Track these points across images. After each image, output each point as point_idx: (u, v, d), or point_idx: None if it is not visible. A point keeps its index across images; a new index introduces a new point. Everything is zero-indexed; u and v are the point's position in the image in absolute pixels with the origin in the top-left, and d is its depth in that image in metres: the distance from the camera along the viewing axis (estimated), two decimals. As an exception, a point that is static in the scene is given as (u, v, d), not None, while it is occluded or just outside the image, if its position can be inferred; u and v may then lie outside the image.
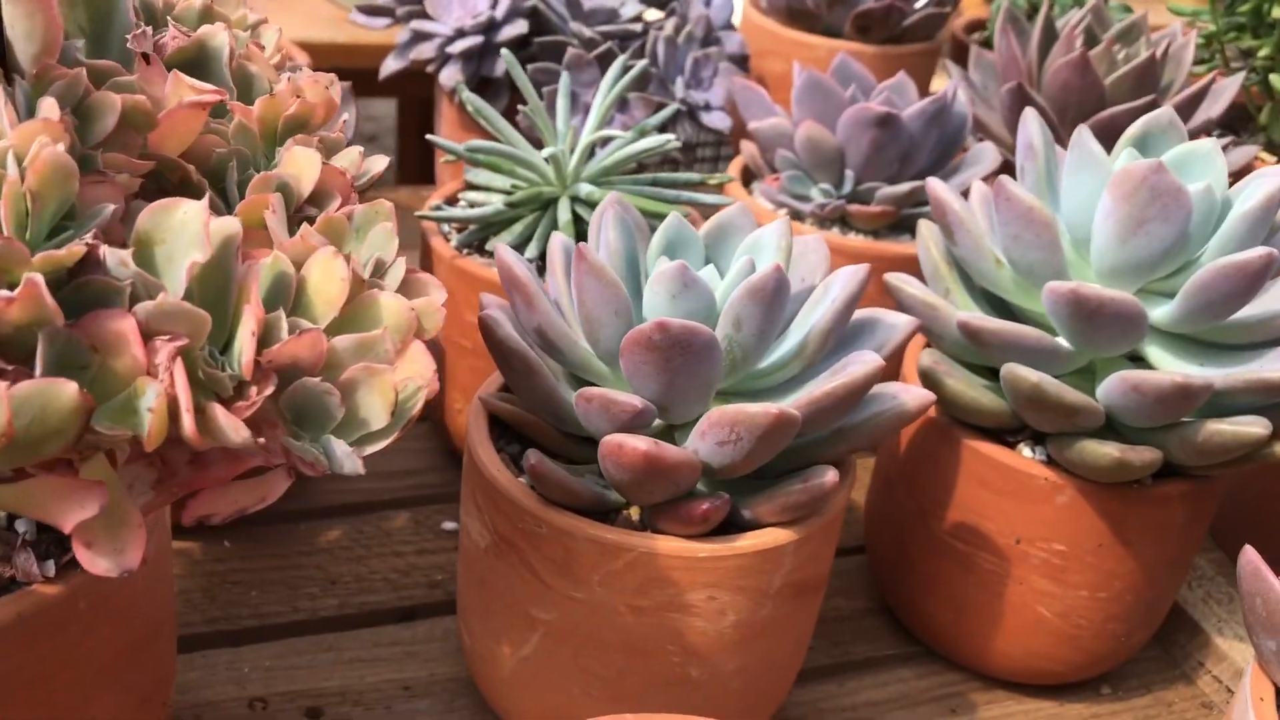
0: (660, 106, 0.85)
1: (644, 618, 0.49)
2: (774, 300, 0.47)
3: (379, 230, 0.35)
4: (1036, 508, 0.56)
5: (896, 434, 0.55)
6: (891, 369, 0.64)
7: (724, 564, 0.48)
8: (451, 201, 0.72)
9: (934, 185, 0.59)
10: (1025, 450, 0.57)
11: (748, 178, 0.82)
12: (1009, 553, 0.58)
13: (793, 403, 0.47)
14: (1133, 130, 0.59)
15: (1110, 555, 0.57)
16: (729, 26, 0.94)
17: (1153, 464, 0.53)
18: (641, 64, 0.69)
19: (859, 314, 0.55)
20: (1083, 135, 0.56)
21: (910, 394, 0.50)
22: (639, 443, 0.44)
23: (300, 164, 0.36)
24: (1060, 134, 0.79)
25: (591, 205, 0.68)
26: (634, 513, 0.50)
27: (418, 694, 0.59)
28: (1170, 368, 0.55)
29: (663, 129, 0.86)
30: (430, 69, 0.88)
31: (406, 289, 0.35)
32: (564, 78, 0.71)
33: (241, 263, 0.32)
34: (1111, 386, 0.52)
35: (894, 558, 0.64)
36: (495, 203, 0.67)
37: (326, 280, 0.32)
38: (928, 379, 0.56)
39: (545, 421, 0.51)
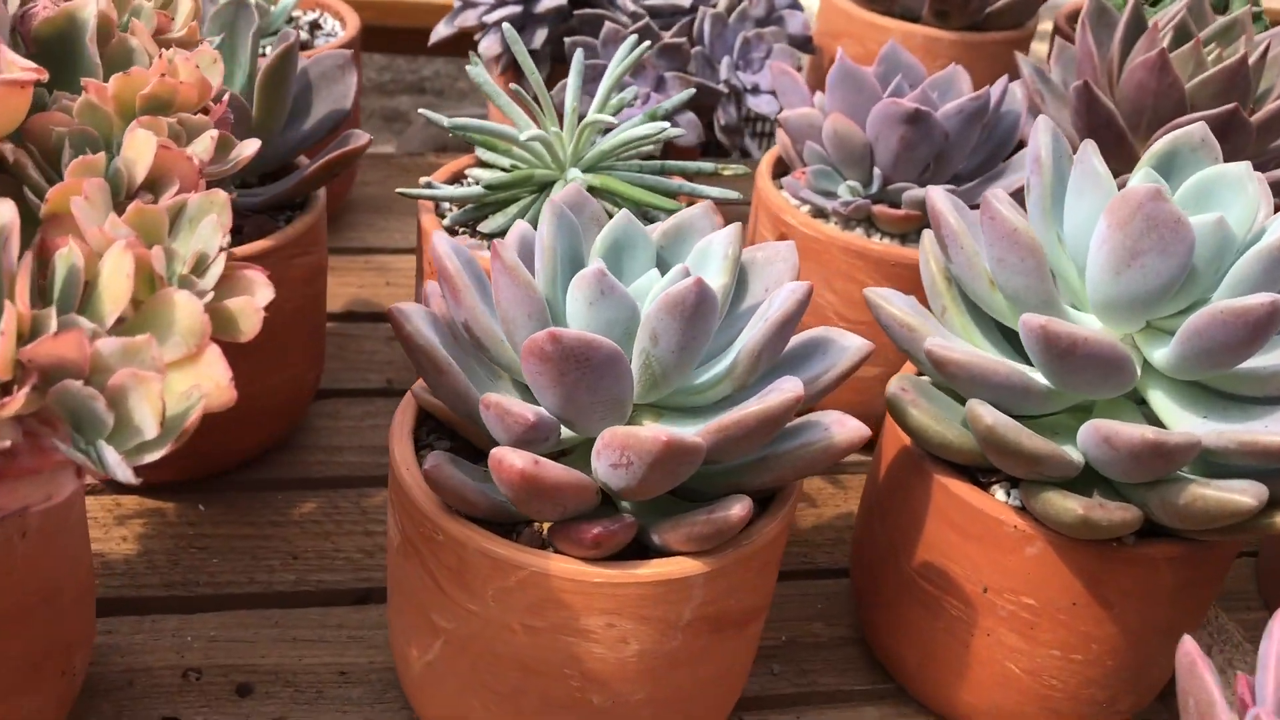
0: (698, 88, 0.81)
1: (538, 638, 0.46)
2: (694, 315, 0.43)
3: (207, 223, 0.33)
4: (1005, 557, 0.51)
5: (826, 467, 0.50)
6: (847, 395, 0.60)
7: (622, 591, 0.45)
8: (458, 178, 0.70)
9: (932, 194, 0.54)
10: (999, 493, 0.52)
11: (782, 170, 0.77)
12: (976, 601, 0.53)
13: (704, 428, 0.43)
14: (1157, 147, 0.52)
15: (1086, 616, 0.51)
16: (794, 5, 0.89)
17: (1127, 524, 0.47)
18: (643, 46, 0.66)
19: (813, 333, 0.51)
20: (1087, 150, 0.50)
21: (843, 427, 0.46)
22: (517, 459, 0.41)
23: (137, 147, 0.34)
24: (1131, 142, 0.73)
25: (591, 190, 0.65)
26: (544, 528, 0.47)
27: (353, 681, 0.58)
28: (1171, 416, 0.50)
29: (701, 111, 0.83)
30: (476, 37, 0.86)
31: (227, 287, 0.33)
32: (577, 55, 0.68)
33: (44, 253, 0.31)
34: (1086, 435, 0.47)
35: (869, 589, 0.60)
36: (488, 181, 0.64)
37: (114, 276, 0.30)
38: (893, 407, 0.52)
39: (468, 422, 0.49)
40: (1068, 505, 0.47)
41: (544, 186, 0.66)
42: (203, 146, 0.36)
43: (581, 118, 0.66)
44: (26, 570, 0.44)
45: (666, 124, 0.63)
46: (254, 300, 0.33)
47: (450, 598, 0.47)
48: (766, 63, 0.84)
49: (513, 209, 0.66)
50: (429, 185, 0.64)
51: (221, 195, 0.34)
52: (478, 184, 0.66)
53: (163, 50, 0.38)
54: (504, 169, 0.67)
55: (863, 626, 0.63)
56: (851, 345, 0.49)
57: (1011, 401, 0.49)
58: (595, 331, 0.45)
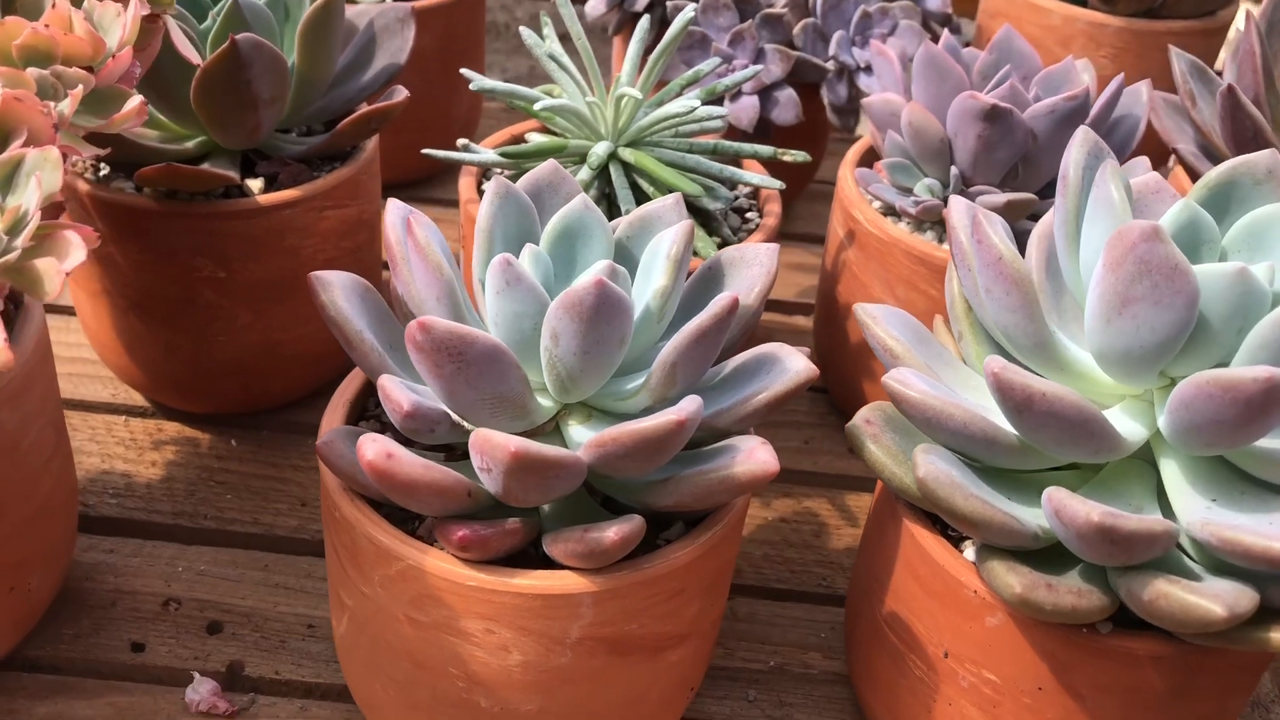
0: (800, 64, 0.76)
1: (422, 632, 0.44)
2: (594, 318, 0.40)
3: (32, 181, 0.33)
4: (966, 622, 0.46)
5: (729, 497, 0.45)
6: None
7: (498, 599, 0.42)
8: (518, 139, 0.69)
9: (952, 203, 0.48)
10: (968, 550, 0.46)
11: (872, 158, 0.71)
12: (938, 665, 0.48)
13: (586, 442, 0.40)
14: (1212, 176, 0.44)
15: (1054, 703, 0.45)
16: (940, -21, 0.82)
17: (1081, 612, 0.41)
18: (686, 18, 0.61)
19: (764, 349, 0.46)
20: (1105, 172, 0.43)
21: (750, 459, 0.42)
22: (368, 449, 0.39)
23: (-18, 97, 0.34)
24: None
25: (625, 165, 0.62)
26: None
27: (317, 636, 0.58)
28: (1176, 493, 0.42)
29: (808, 89, 0.78)
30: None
31: (44, 245, 0.33)
32: (642, 22, 0.64)
33: None
34: (1044, 503, 0.41)
35: (851, 628, 0.55)
36: (504, 150, 0.62)
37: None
38: (852, 439, 0.47)
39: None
40: (1007, 580, 0.41)
41: (584, 158, 0.63)
42: (65, 102, 0.36)
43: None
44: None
45: (697, 103, 0.59)
46: (58, 263, 0.33)
47: (349, 577, 0.46)
48: (890, 40, 0.77)
49: (581, 178, 0.63)
50: (465, 148, 0.63)
51: (54, 154, 0.34)
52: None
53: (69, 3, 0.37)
54: (557, 134, 0.65)
55: (848, 665, 0.58)
56: (793, 368, 0.44)
57: (979, 451, 0.43)
58: (501, 323, 0.43)
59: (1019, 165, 0.62)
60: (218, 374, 0.66)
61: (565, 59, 0.63)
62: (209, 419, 0.70)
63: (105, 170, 0.63)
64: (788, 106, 0.76)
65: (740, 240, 0.63)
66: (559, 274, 0.46)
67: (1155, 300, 0.39)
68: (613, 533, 0.40)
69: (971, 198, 0.63)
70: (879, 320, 0.48)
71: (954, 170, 0.63)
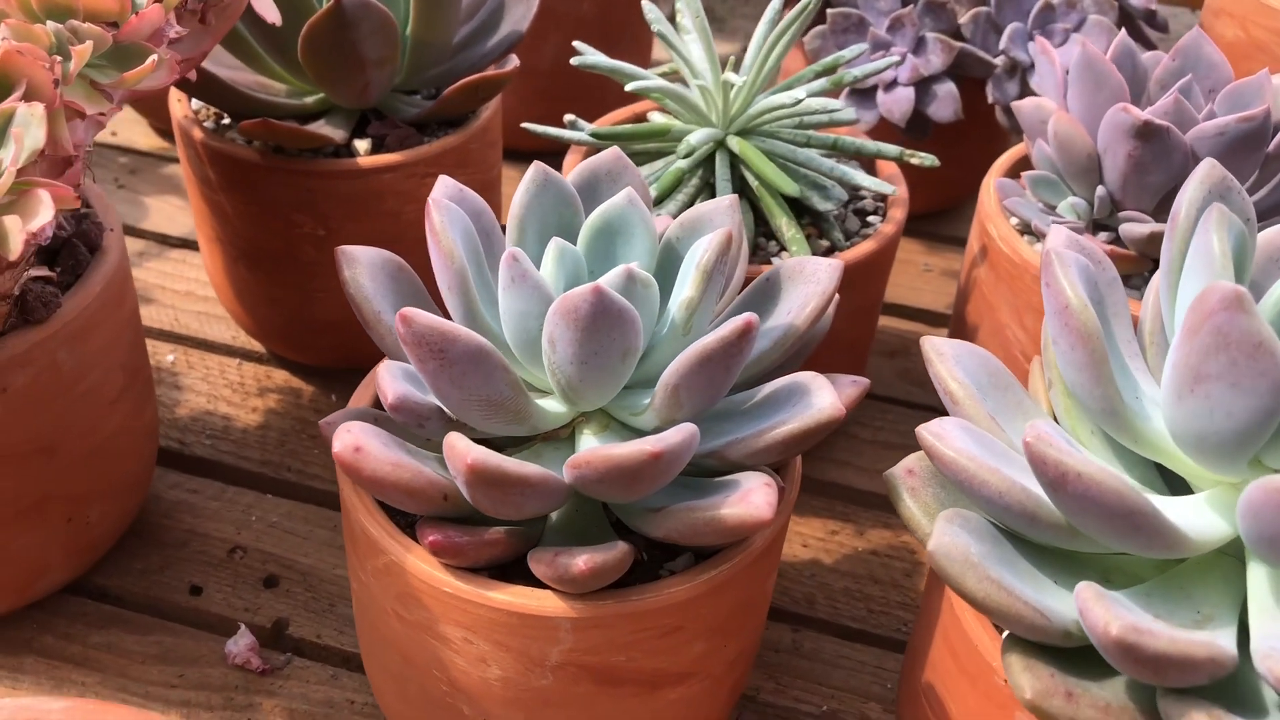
0: (962, 57, 0.69)
1: (409, 630, 0.43)
2: (591, 327, 0.37)
3: (11, 135, 0.33)
4: (995, 712, 0.40)
5: (717, 540, 0.40)
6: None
7: (474, 610, 0.40)
8: (640, 118, 0.65)
9: (1051, 233, 0.42)
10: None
11: (1023, 168, 0.64)
12: (967, 751, 0.42)
13: (571, 461, 0.37)
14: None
15: (1087, 821, 0.39)
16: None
17: (1107, 733, 0.35)
18: (776, 4, 0.56)
19: (797, 378, 0.41)
20: (1212, 217, 0.36)
21: (744, 503, 0.37)
22: (339, 439, 0.38)
23: (-17, 48, 0.34)
24: None
25: (733, 155, 0.58)
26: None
27: (366, 605, 0.58)
28: (1262, 607, 0.36)
29: (971, 85, 0.71)
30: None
31: (16, 203, 0.32)
32: (774, 2, 0.60)
33: None
34: (1076, 596, 0.35)
35: (902, 688, 0.50)
36: (593, 130, 0.58)
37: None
38: (889, 486, 0.41)
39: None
40: (1019, 680, 0.35)
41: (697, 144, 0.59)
42: (71, 60, 0.36)
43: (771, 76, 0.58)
44: (10, 425, 0.48)
45: (802, 94, 0.54)
46: (22, 222, 0.33)
47: (352, 562, 0.45)
48: (1074, 35, 0.69)
49: (658, 163, 0.60)
50: (572, 124, 0.60)
51: (39, 110, 0.33)
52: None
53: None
54: (675, 116, 0.61)
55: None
56: (817, 405, 0.39)
57: (1020, 526, 0.37)
58: (509, 321, 0.40)
59: (1172, 190, 0.54)
60: (318, 329, 0.66)
61: (682, 37, 0.59)
62: (317, 371, 0.71)
63: (226, 121, 0.64)
64: (946, 102, 0.69)
65: (851, 245, 0.58)
66: (596, 272, 0.43)
67: (1232, 380, 0.32)
68: (581, 562, 0.37)
69: (1118, 224, 0.56)
70: (945, 358, 0.42)
71: (1102, 190, 0.55)
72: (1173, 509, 0.36)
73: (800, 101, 0.54)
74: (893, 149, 0.58)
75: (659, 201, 0.56)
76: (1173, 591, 0.37)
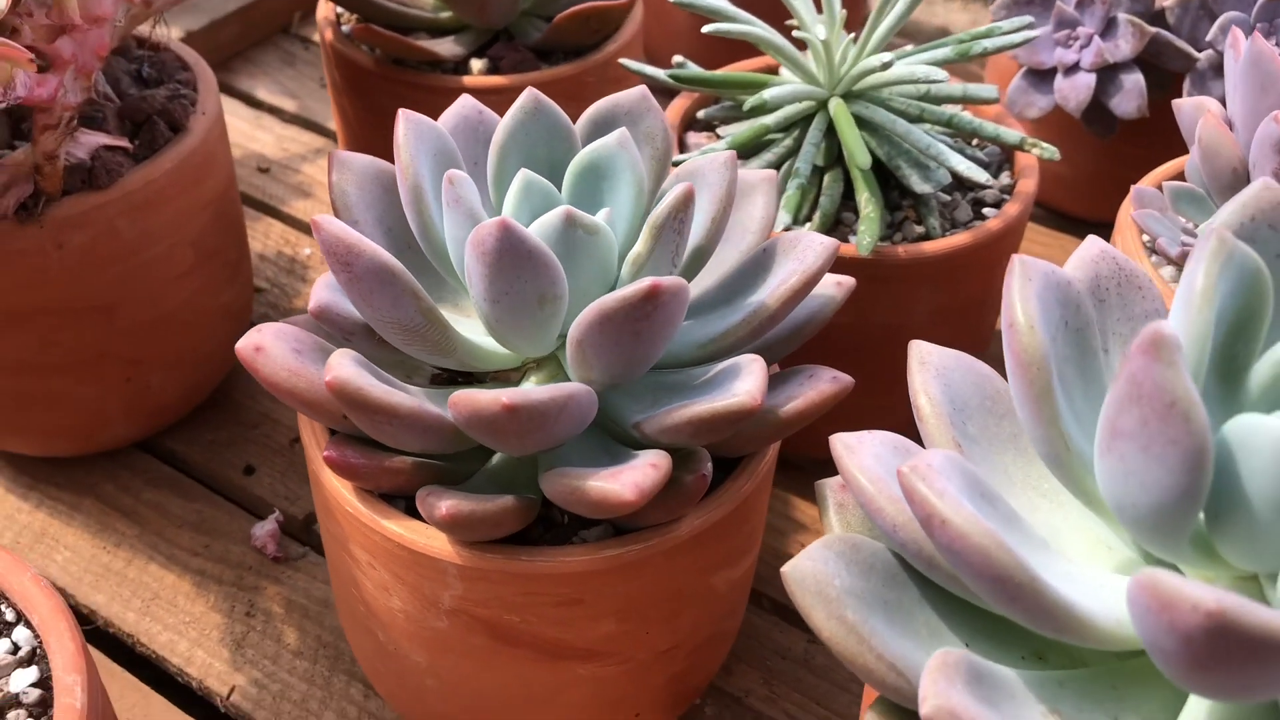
0: (1155, 45, 0.60)
1: (332, 543, 0.43)
2: (497, 263, 0.35)
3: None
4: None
5: (589, 510, 0.36)
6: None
7: (372, 535, 0.39)
8: (771, 72, 0.61)
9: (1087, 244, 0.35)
10: (922, 688, 0.35)
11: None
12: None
13: (452, 399, 0.35)
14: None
15: None
16: None
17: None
18: None
19: (738, 360, 0.37)
20: (1207, 245, 0.29)
21: (611, 481, 0.34)
22: (246, 337, 0.37)
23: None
24: None
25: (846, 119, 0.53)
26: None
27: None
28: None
29: (1166, 77, 0.62)
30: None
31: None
32: (915, -43, 0.54)
33: None
34: (943, 664, 0.29)
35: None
36: (675, 73, 0.54)
37: None
38: (818, 495, 0.36)
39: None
40: (859, 742, 0.30)
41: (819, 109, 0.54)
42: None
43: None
44: (66, 281, 0.51)
45: (889, 58, 0.48)
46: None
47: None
48: (1310, 35, 0.58)
49: (761, 122, 0.56)
50: (680, 65, 0.57)
51: None
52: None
53: None
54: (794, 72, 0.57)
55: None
56: (735, 390, 0.35)
57: (921, 566, 0.32)
58: (450, 245, 0.38)
59: (1340, 227, 0.45)
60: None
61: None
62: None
63: (365, 26, 0.65)
64: (1130, 95, 0.60)
65: (942, 235, 0.52)
66: (576, 213, 0.41)
67: (1143, 444, 0.26)
68: (444, 505, 0.35)
69: (1263, 256, 0.47)
70: (927, 368, 0.36)
71: (1242, 213, 0.46)
72: (1078, 586, 0.29)
73: (889, 65, 0.48)
74: (1014, 135, 0.52)
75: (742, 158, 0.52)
76: (1098, 687, 0.31)
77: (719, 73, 0.54)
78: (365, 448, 0.39)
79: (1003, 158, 0.57)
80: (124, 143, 0.51)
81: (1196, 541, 0.29)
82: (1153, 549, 0.29)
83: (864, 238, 0.48)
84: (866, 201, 0.50)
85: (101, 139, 0.51)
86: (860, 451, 0.33)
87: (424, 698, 0.44)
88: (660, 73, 0.53)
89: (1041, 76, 0.63)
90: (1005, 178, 0.56)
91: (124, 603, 0.54)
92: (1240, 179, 0.46)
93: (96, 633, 0.54)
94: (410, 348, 0.38)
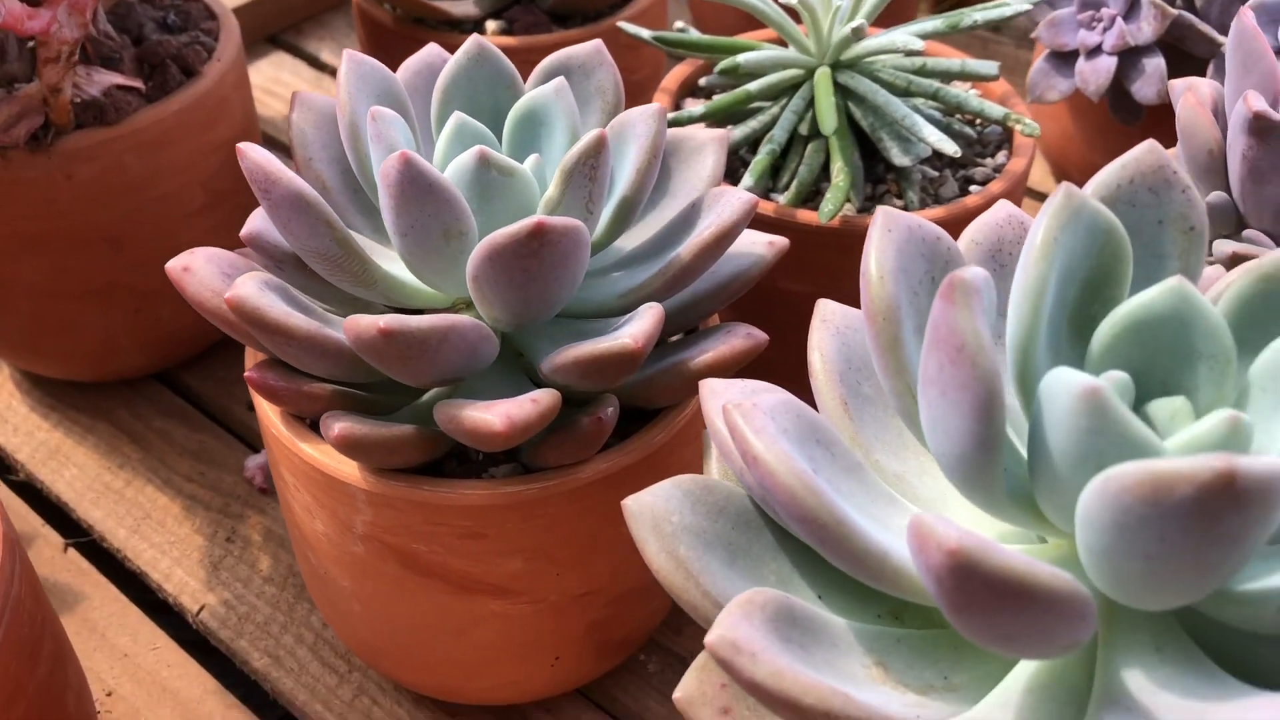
0: (1178, 28, 0.58)
1: (273, 469, 0.44)
2: (400, 195, 0.36)
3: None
4: None
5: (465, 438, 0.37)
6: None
7: (293, 457, 0.41)
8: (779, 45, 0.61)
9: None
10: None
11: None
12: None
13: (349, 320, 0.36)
14: (1256, 270, 0.28)
15: None
16: None
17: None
18: None
19: (645, 308, 0.38)
20: (1052, 203, 0.28)
21: (484, 411, 0.34)
22: (177, 258, 0.39)
23: None
24: None
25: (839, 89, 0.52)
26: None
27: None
28: (1005, 699, 0.28)
29: (1187, 62, 0.60)
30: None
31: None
32: (918, -73, 0.53)
33: None
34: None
35: None
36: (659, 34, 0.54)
37: None
38: (704, 442, 0.36)
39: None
40: (688, 675, 0.30)
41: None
42: None
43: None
44: (76, 211, 0.54)
45: (861, 22, 0.47)
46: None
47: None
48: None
49: (744, 89, 0.55)
50: (682, 30, 0.57)
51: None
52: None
53: None
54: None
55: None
56: (620, 334, 0.35)
57: (771, 512, 0.32)
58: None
59: (1314, 214, 0.43)
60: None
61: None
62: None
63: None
64: (1151, 80, 0.58)
65: (920, 207, 0.51)
66: (516, 159, 0.42)
67: (942, 389, 0.26)
68: (338, 427, 0.36)
69: (1240, 241, 0.45)
70: (828, 325, 0.36)
71: (1217, 197, 0.45)
72: (899, 536, 0.29)
73: (860, 32, 0.48)
74: (998, 109, 0.51)
75: (709, 120, 0.52)
76: (939, 647, 0.31)
77: (706, 37, 0.54)
78: (286, 372, 0.40)
79: (1003, 137, 0.56)
80: (137, 83, 0.54)
81: (1023, 500, 0.28)
82: (974, 503, 0.28)
83: (826, 205, 0.48)
84: (839, 171, 0.50)
85: (115, 78, 0.54)
86: (723, 396, 0.33)
87: (352, 622, 0.46)
88: (646, 34, 0.53)
89: (1064, 59, 0.62)
90: (1003, 157, 0.55)
91: (118, 520, 0.58)
92: (1216, 161, 0.45)
93: (91, 545, 0.57)
94: (334, 278, 0.40)
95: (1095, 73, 0.60)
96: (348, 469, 0.39)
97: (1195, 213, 0.30)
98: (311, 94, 0.45)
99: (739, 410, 0.29)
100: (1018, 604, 0.23)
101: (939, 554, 0.23)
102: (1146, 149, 0.31)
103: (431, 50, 0.46)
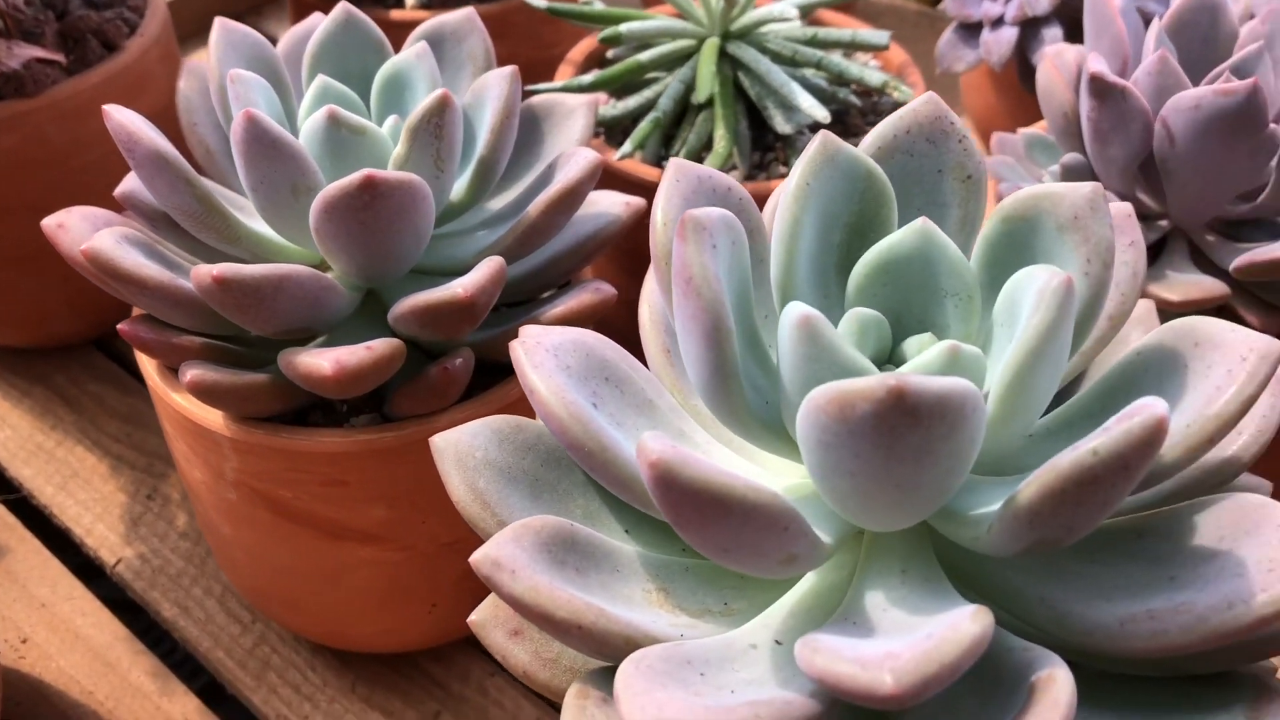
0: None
1: (158, 415, 0.46)
2: (246, 151, 0.38)
3: None
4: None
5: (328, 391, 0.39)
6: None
7: (167, 407, 0.43)
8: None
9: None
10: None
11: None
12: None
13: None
14: (1009, 204, 0.29)
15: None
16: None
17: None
18: None
19: (492, 261, 0.39)
20: (813, 143, 0.29)
21: (319, 356, 0.36)
22: (56, 215, 0.41)
23: None
24: None
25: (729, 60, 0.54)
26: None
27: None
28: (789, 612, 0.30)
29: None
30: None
31: None
32: (808, -100, 0.54)
33: None
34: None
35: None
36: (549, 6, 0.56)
37: None
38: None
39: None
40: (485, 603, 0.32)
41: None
42: None
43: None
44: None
45: (785, 5, 0.49)
46: None
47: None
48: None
49: (634, 60, 0.56)
50: (588, 2, 0.58)
51: None
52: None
53: None
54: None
55: None
56: (455, 284, 0.37)
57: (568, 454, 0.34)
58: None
59: (1161, 176, 0.44)
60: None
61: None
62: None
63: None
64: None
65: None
66: (380, 121, 0.43)
67: (683, 321, 0.27)
68: (191, 373, 0.38)
69: (1094, 203, 0.46)
70: (646, 283, 0.38)
71: (1071, 158, 0.46)
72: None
73: (735, 2, 0.49)
74: (877, 77, 0.52)
75: (600, 89, 0.54)
76: (726, 576, 0.32)
77: (598, 8, 0.55)
78: (158, 326, 0.42)
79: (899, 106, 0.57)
80: (57, 56, 0.56)
81: (777, 427, 0.29)
82: (729, 428, 0.30)
83: (715, 162, 0.50)
84: (720, 137, 0.51)
85: (35, 52, 0.56)
86: (540, 339, 0.35)
87: (238, 570, 0.48)
88: (541, 3, 0.55)
89: (970, 30, 0.63)
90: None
91: (47, 478, 0.60)
92: (1071, 123, 0.46)
93: (21, 502, 0.60)
94: (202, 234, 0.42)
95: (998, 43, 0.61)
96: (213, 417, 0.41)
97: (972, 162, 0.32)
98: (198, 63, 0.47)
99: (522, 346, 0.30)
100: (717, 513, 0.24)
101: (646, 466, 0.24)
102: (925, 100, 0.32)
103: (313, 20, 0.47)
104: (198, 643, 0.53)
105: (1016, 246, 0.29)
